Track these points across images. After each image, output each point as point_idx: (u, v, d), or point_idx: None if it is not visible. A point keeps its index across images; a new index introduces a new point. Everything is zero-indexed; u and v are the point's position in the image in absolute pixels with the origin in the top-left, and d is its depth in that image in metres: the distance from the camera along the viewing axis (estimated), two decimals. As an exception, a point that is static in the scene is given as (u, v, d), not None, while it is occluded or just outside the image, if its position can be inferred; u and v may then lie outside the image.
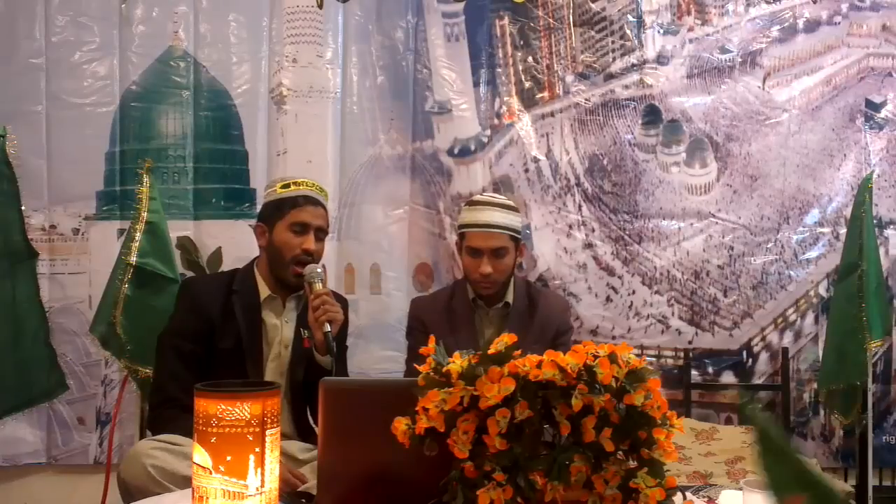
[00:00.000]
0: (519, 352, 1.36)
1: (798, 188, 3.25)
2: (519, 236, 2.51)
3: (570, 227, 3.21)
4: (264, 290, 2.30)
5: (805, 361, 3.24)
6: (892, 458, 3.21)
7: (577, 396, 1.29)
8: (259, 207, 2.54)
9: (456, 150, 3.19)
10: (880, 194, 3.19)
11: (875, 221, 3.05)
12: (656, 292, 3.21)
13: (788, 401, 3.16)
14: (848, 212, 3.10)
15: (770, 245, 3.24)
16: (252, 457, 1.32)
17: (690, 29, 3.27)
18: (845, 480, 3.01)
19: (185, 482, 1.69)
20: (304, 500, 1.72)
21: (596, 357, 1.33)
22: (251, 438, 1.32)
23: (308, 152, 3.11)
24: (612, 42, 3.25)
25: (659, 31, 3.25)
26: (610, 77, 3.25)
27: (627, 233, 3.22)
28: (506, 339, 1.37)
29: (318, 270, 2.23)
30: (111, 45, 3.04)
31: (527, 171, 3.22)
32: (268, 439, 1.34)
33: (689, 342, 3.21)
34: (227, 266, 2.93)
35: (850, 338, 2.85)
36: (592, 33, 3.25)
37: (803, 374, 3.23)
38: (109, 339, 2.67)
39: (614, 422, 1.30)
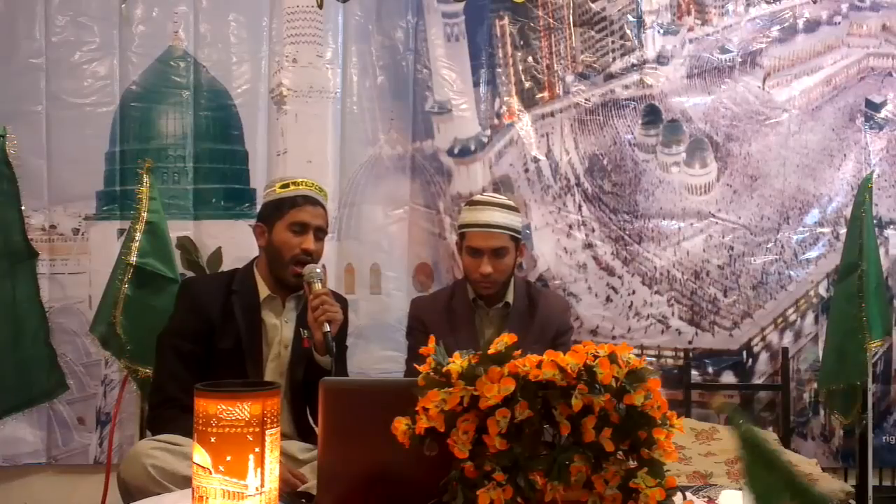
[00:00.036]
0: (519, 352, 1.36)
1: (798, 188, 3.25)
2: (519, 236, 2.51)
3: (570, 227, 3.21)
4: (264, 290, 2.30)
5: (805, 361, 3.24)
6: (892, 458, 3.21)
7: (577, 396, 1.29)
8: (259, 207, 2.54)
9: (456, 150, 3.19)
10: (880, 194, 3.19)
11: (875, 221, 3.05)
12: (656, 292, 3.21)
13: (788, 401, 3.16)
14: (848, 212, 3.10)
15: (770, 245, 3.24)
16: (252, 457, 1.32)
17: (690, 29, 3.27)
18: (845, 480, 3.01)
19: (185, 482, 1.70)
20: (304, 500, 1.72)
21: (596, 357, 1.33)
22: (251, 438, 1.32)
23: (308, 152, 3.11)
24: (612, 42, 3.25)
25: (659, 31, 3.25)
26: (610, 77, 3.25)
27: (627, 233, 3.22)
28: (506, 339, 1.37)
29: (318, 270, 2.23)
30: (111, 45, 3.04)
31: (527, 171, 3.22)
32: (268, 439, 1.34)
33: (689, 342, 3.21)
34: (227, 266, 2.93)
35: (850, 338, 2.85)
36: (592, 33, 3.25)
37: (803, 374, 3.23)
38: (109, 339, 2.67)
39: (614, 422, 1.29)
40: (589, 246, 3.21)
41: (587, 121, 3.24)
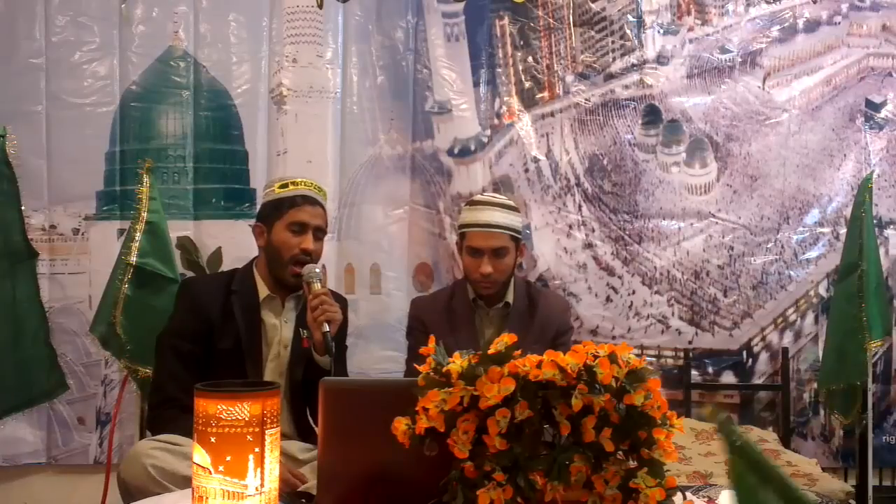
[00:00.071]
0: (519, 352, 1.36)
1: (798, 188, 3.25)
2: (519, 236, 2.51)
3: (570, 227, 3.21)
4: (263, 290, 2.30)
5: (805, 361, 3.24)
6: (892, 458, 3.21)
7: (577, 396, 1.29)
8: (259, 207, 2.54)
9: (456, 150, 3.19)
10: (880, 194, 3.19)
11: (875, 221, 3.06)
12: (656, 292, 3.21)
13: (788, 401, 3.16)
14: (848, 212, 3.10)
15: (770, 245, 3.24)
16: (251, 457, 1.32)
17: (690, 29, 3.27)
18: (845, 480, 3.01)
19: (185, 482, 1.70)
20: (304, 500, 1.71)
21: (596, 357, 1.33)
22: (251, 438, 1.32)
23: (308, 152, 3.11)
24: (612, 42, 3.25)
25: (659, 31, 3.25)
26: (610, 77, 3.25)
27: (627, 233, 3.22)
28: (506, 339, 1.37)
29: (317, 270, 2.23)
30: (111, 45, 3.04)
31: (527, 171, 3.22)
32: (267, 439, 1.34)
33: (689, 342, 3.21)
34: (227, 266, 2.93)
35: (850, 338, 2.85)
36: (592, 33, 3.25)
37: (803, 374, 3.23)
38: (109, 339, 2.67)
39: (614, 422, 1.29)
40: (589, 246, 3.21)
41: (587, 121, 3.23)
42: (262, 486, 1.33)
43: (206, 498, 1.31)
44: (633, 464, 1.32)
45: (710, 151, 3.25)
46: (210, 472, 1.31)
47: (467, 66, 3.20)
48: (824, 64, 3.28)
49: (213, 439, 1.31)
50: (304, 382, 2.17)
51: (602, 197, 3.22)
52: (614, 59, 3.25)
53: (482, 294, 2.50)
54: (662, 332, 3.21)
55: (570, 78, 3.24)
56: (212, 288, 2.31)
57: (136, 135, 3.06)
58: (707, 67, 3.26)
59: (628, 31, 3.24)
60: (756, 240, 3.24)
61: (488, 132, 3.21)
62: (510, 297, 2.52)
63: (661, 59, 3.25)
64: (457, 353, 1.39)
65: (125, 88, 3.05)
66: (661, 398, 1.33)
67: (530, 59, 3.23)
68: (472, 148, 3.19)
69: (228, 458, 1.31)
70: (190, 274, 2.94)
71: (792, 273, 3.24)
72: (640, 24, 3.24)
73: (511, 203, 2.52)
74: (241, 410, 1.32)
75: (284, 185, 2.31)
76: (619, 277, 3.21)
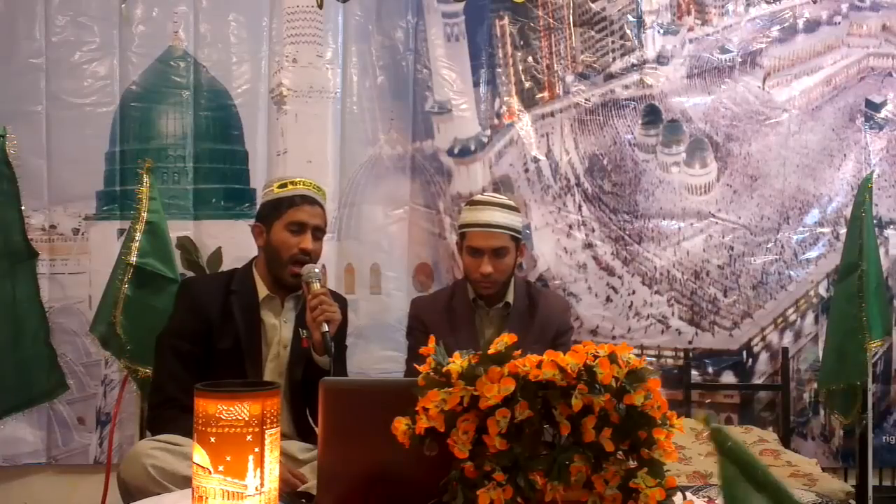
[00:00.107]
0: (519, 352, 1.36)
1: (798, 188, 3.25)
2: (519, 236, 2.51)
3: (570, 227, 3.21)
4: (263, 290, 2.30)
5: (805, 361, 3.24)
6: (892, 458, 3.21)
7: (577, 396, 1.29)
8: (258, 207, 2.54)
9: (456, 150, 3.19)
10: (880, 194, 3.19)
11: (875, 221, 3.06)
12: (656, 292, 3.21)
13: (788, 401, 3.16)
14: (848, 212, 3.11)
15: (770, 245, 3.24)
16: (251, 457, 1.32)
17: (690, 29, 3.27)
18: (845, 480, 3.01)
19: (184, 482, 1.70)
20: (304, 500, 1.71)
21: (596, 357, 1.32)
22: (250, 439, 1.32)
23: (308, 152, 3.11)
24: (612, 42, 3.25)
25: (659, 31, 3.25)
26: (610, 77, 3.25)
27: (627, 233, 3.22)
28: (506, 339, 1.37)
29: (316, 270, 2.22)
30: (111, 45, 3.04)
31: (527, 171, 3.22)
32: (267, 439, 1.34)
33: (689, 342, 3.21)
34: (227, 266, 2.93)
35: (850, 338, 2.85)
36: (592, 33, 3.25)
37: (803, 374, 3.23)
38: (109, 339, 2.67)
39: (614, 422, 1.29)
40: (589, 246, 3.21)
41: (587, 121, 3.24)
42: (261, 486, 1.33)
43: (206, 498, 1.31)
44: (633, 464, 1.32)
45: (710, 151, 3.25)
46: (210, 472, 1.31)
47: (467, 66, 3.20)
48: (824, 64, 3.28)
49: (212, 439, 1.31)
50: (304, 382, 2.17)
51: (602, 197, 3.22)
52: (614, 59, 3.25)
53: (482, 294, 2.50)
54: (662, 332, 3.21)
55: (570, 78, 3.24)
56: (211, 288, 2.31)
57: (136, 135, 3.06)
58: (707, 67, 3.26)
59: (628, 31, 3.25)
60: (756, 240, 3.24)
61: (488, 132, 3.21)
62: (510, 297, 2.52)
63: (661, 59, 3.25)
64: (457, 353, 1.39)
65: (125, 88, 3.05)
66: (661, 398, 1.33)
67: (530, 59, 3.23)
68: (472, 148, 3.19)
69: (228, 459, 1.31)
70: (190, 274, 2.94)
71: (792, 273, 3.24)
72: (640, 24, 3.24)
73: (511, 203, 2.52)
74: (240, 410, 1.32)
75: (283, 185, 2.31)
76: (619, 277, 3.21)
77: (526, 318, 2.50)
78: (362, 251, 3.15)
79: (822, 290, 3.24)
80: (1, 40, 2.98)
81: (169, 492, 1.78)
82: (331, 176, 3.10)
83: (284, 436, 1.94)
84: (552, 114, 3.24)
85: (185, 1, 3.07)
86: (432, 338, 1.42)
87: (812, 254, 3.25)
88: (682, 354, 3.20)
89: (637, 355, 1.42)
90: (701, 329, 3.22)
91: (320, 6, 3.13)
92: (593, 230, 3.21)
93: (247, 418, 1.32)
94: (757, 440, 2.83)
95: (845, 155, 3.27)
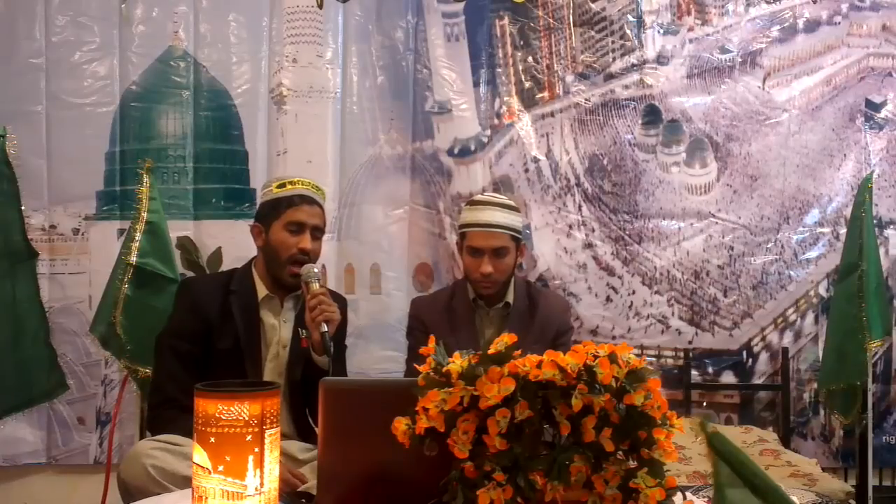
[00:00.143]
0: (519, 352, 1.36)
1: (798, 188, 3.25)
2: (520, 236, 2.51)
3: (570, 227, 3.21)
4: (262, 290, 2.30)
5: (805, 361, 3.24)
6: (892, 458, 3.21)
7: (577, 396, 1.29)
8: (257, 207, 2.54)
9: (456, 150, 3.19)
10: (880, 194, 3.19)
11: (875, 221, 3.06)
12: (656, 292, 3.21)
13: (788, 401, 3.16)
14: (848, 212, 3.11)
15: (770, 245, 3.24)
16: (251, 457, 1.32)
17: (690, 29, 3.27)
18: (845, 480, 3.01)
19: (184, 482, 1.70)
20: (304, 500, 1.71)
21: (596, 357, 1.32)
22: (250, 439, 1.32)
23: (308, 152, 3.11)
24: (612, 42, 3.25)
25: (659, 31, 3.26)
26: (610, 77, 3.25)
27: (627, 233, 3.22)
28: (506, 339, 1.37)
29: (315, 270, 2.22)
30: (111, 45, 3.04)
31: (527, 171, 3.22)
32: (267, 439, 1.34)
33: (689, 342, 3.21)
34: (227, 266, 2.93)
35: (850, 338, 2.85)
36: (592, 33, 3.25)
37: (803, 374, 3.24)
38: (109, 339, 2.67)
39: (614, 422, 1.29)
40: (589, 246, 3.21)
41: (587, 121, 3.24)
42: (261, 486, 1.33)
43: (206, 498, 1.31)
44: (633, 464, 1.32)
45: (710, 151, 3.25)
46: (210, 472, 1.31)
47: (467, 66, 3.20)
48: (824, 64, 3.28)
49: (212, 439, 1.31)
50: (304, 382, 2.17)
51: (602, 197, 3.22)
52: (614, 59, 3.25)
53: (482, 294, 2.50)
54: (662, 332, 3.21)
55: (570, 78, 3.24)
56: (210, 288, 2.31)
57: (136, 135, 3.06)
58: (707, 67, 3.26)
59: (628, 31, 3.25)
60: (756, 240, 3.24)
61: (488, 132, 3.21)
62: (510, 297, 2.52)
63: (661, 59, 3.25)
64: (457, 353, 1.39)
65: (125, 88, 3.05)
66: (661, 398, 1.33)
67: (530, 59, 3.23)
68: (472, 148, 3.19)
69: (228, 459, 1.31)
70: (190, 274, 2.94)
71: (792, 273, 3.24)
72: (640, 24, 3.25)
73: (511, 203, 2.52)
74: (240, 410, 1.32)
75: (282, 185, 2.31)
76: (619, 277, 3.21)
77: (526, 318, 2.50)
78: (362, 251, 3.15)
79: (822, 290, 3.24)
80: (1, 40, 2.98)
81: (169, 492, 1.78)
82: (331, 176, 3.10)
83: (284, 436, 1.94)
84: (552, 114, 3.24)
85: (185, 1, 3.07)
86: (432, 338, 1.42)
87: (812, 254, 3.25)
88: (682, 354, 3.20)
89: (637, 355, 1.41)
90: (701, 329, 3.22)
91: (320, 6, 3.13)
92: (593, 230, 3.21)
93: (246, 418, 1.32)
94: (757, 440, 2.82)
95: (845, 155, 3.27)
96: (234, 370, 2.15)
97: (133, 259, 2.63)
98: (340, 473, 1.46)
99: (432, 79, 3.19)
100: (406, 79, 3.19)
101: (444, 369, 1.35)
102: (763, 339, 3.23)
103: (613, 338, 3.16)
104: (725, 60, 3.26)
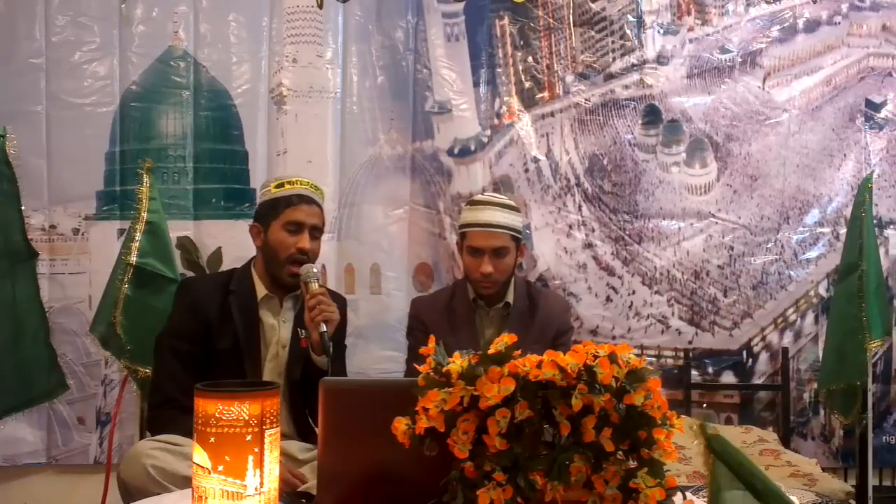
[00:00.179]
0: (519, 352, 1.36)
1: (798, 188, 3.25)
2: (520, 236, 2.51)
3: (570, 227, 3.21)
4: (261, 290, 2.30)
5: (805, 361, 3.24)
6: (892, 458, 3.21)
7: (577, 396, 1.29)
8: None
9: (456, 150, 3.19)
10: (880, 194, 3.19)
11: (875, 221, 3.06)
12: (656, 292, 3.21)
13: (788, 401, 3.16)
14: (848, 212, 3.11)
15: (770, 245, 3.24)
16: (251, 457, 1.32)
17: (690, 29, 3.27)
18: (845, 480, 3.01)
19: (184, 482, 1.70)
20: (304, 500, 1.71)
21: (596, 357, 1.32)
22: (250, 439, 1.32)
23: (308, 152, 3.11)
24: (612, 42, 3.25)
25: (659, 31, 3.26)
26: (610, 77, 3.25)
27: (627, 233, 3.22)
28: (506, 339, 1.37)
29: (315, 270, 2.22)
30: (111, 45, 3.04)
31: (527, 171, 3.22)
32: (267, 439, 1.34)
33: (689, 342, 3.21)
34: (226, 266, 2.93)
35: (850, 338, 2.85)
36: (592, 33, 3.25)
37: (803, 374, 3.24)
38: (109, 339, 2.67)
39: (614, 422, 1.29)
40: (589, 246, 3.21)
41: (587, 121, 3.24)
42: (261, 486, 1.33)
43: (206, 498, 1.31)
44: (633, 464, 1.32)
45: (710, 151, 3.25)
46: (209, 472, 1.31)
47: (467, 66, 3.20)
48: (824, 64, 3.28)
49: (212, 439, 1.31)
50: (303, 382, 2.17)
51: (602, 197, 3.22)
52: (614, 59, 3.25)
53: (482, 294, 2.50)
54: (662, 332, 3.21)
55: (570, 78, 3.24)
56: (210, 288, 2.31)
57: (136, 135, 3.06)
58: (707, 67, 3.26)
59: (628, 31, 3.25)
60: (756, 240, 3.24)
61: (488, 132, 3.21)
62: (510, 297, 2.52)
63: (661, 59, 3.25)
64: (457, 353, 1.39)
65: (125, 88, 3.05)
66: (661, 398, 1.33)
67: (530, 59, 3.23)
68: (472, 148, 3.19)
69: (228, 459, 1.31)
70: (190, 274, 2.94)
71: (792, 273, 3.24)
72: (640, 24, 3.25)
73: (511, 203, 2.52)
74: (240, 410, 1.32)
75: (280, 185, 2.31)
76: (619, 277, 3.21)
77: (526, 318, 2.50)
78: (362, 251, 3.15)
79: (822, 290, 3.24)
80: (1, 40, 2.98)
81: (169, 492, 1.78)
82: (331, 176, 3.10)
83: (284, 436, 1.94)
84: (552, 114, 3.24)
85: (185, 1, 3.07)
86: (432, 338, 1.42)
87: (812, 254, 3.25)
88: (682, 354, 3.20)
89: (637, 355, 1.41)
90: (701, 329, 3.22)
91: (320, 6, 3.13)
92: (593, 230, 3.21)
93: (246, 418, 1.32)
94: (757, 440, 2.82)
95: (845, 155, 3.27)
96: (233, 370, 2.15)
97: (133, 259, 2.63)
98: (340, 473, 1.46)
99: (432, 79, 3.19)
100: (406, 79, 3.19)
101: (444, 369, 1.35)
102: (763, 339, 3.23)
103: (613, 338, 3.16)
104: (725, 60, 3.26)
